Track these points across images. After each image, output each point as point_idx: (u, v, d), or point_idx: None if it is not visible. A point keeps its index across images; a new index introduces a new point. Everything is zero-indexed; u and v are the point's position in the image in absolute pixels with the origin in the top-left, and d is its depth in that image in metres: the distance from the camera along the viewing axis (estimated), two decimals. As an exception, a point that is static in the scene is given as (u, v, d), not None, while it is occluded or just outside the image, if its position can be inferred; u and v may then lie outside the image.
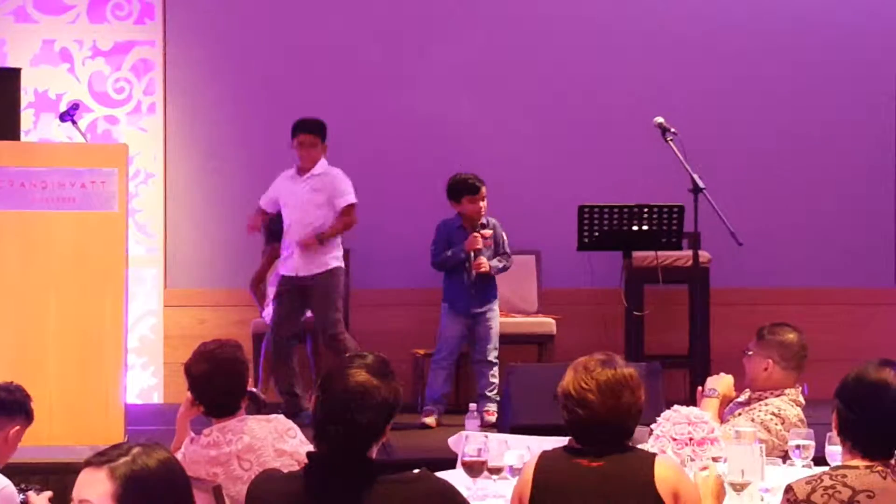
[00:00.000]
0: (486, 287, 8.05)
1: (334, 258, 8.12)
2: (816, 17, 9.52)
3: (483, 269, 7.96)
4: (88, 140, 8.42)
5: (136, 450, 2.69)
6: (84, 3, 9.24)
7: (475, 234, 7.96)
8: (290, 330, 8.14)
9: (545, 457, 3.91)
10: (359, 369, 3.47)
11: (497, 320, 8.12)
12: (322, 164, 8.13)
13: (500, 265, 8.10)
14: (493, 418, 7.77)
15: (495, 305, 8.13)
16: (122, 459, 2.66)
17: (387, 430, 3.49)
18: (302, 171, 8.12)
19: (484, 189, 8.00)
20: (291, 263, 8.10)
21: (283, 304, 8.13)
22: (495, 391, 7.98)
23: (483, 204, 8.00)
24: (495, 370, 8.03)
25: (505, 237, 8.14)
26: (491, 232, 8.06)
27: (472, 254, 7.96)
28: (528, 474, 3.87)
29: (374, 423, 3.43)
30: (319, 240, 8.03)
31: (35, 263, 6.82)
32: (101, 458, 2.68)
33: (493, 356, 8.06)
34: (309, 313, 8.24)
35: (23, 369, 6.39)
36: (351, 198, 8.10)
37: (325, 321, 8.08)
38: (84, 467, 2.69)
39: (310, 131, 8.09)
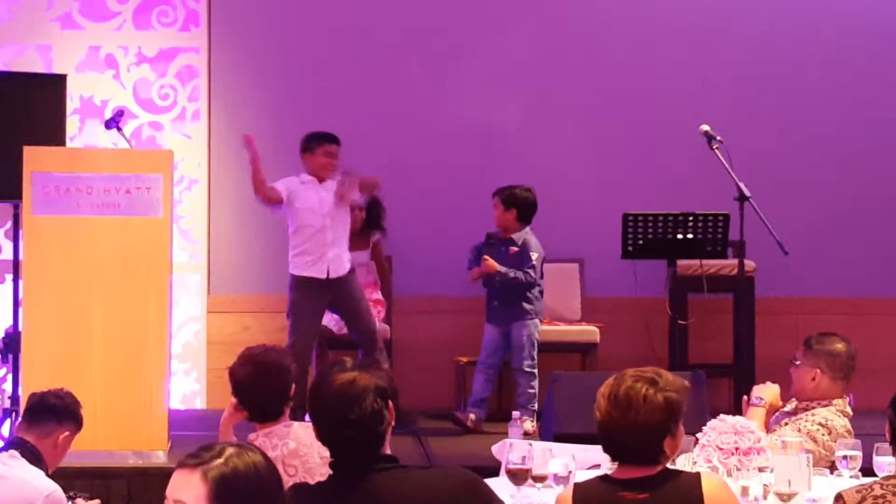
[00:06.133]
0: (508, 304, 8.02)
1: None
2: (865, 22, 9.45)
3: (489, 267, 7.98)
4: (133, 146, 8.46)
5: (229, 451, 2.74)
6: (129, 10, 9.28)
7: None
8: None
9: (581, 489, 3.77)
10: (340, 371, 3.49)
11: (531, 330, 8.04)
12: None
13: (510, 275, 7.97)
14: (526, 427, 7.71)
15: (527, 319, 8.04)
16: (216, 462, 2.71)
17: (390, 413, 3.47)
18: (322, 179, 8.06)
19: (498, 199, 8.04)
20: (322, 266, 8.00)
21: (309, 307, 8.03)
22: (530, 401, 7.94)
23: (498, 213, 8.03)
24: (533, 382, 7.96)
25: (533, 256, 8.01)
26: (515, 249, 8.02)
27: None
28: None
29: (367, 412, 3.43)
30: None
31: (80, 269, 6.84)
32: (195, 461, 2.73)
33: (526, 365, 7.99)
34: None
35: (68, 374, 6.40)
36: None
37: (367, 326, 8.08)
38: (177, 468, 2.74)
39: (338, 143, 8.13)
